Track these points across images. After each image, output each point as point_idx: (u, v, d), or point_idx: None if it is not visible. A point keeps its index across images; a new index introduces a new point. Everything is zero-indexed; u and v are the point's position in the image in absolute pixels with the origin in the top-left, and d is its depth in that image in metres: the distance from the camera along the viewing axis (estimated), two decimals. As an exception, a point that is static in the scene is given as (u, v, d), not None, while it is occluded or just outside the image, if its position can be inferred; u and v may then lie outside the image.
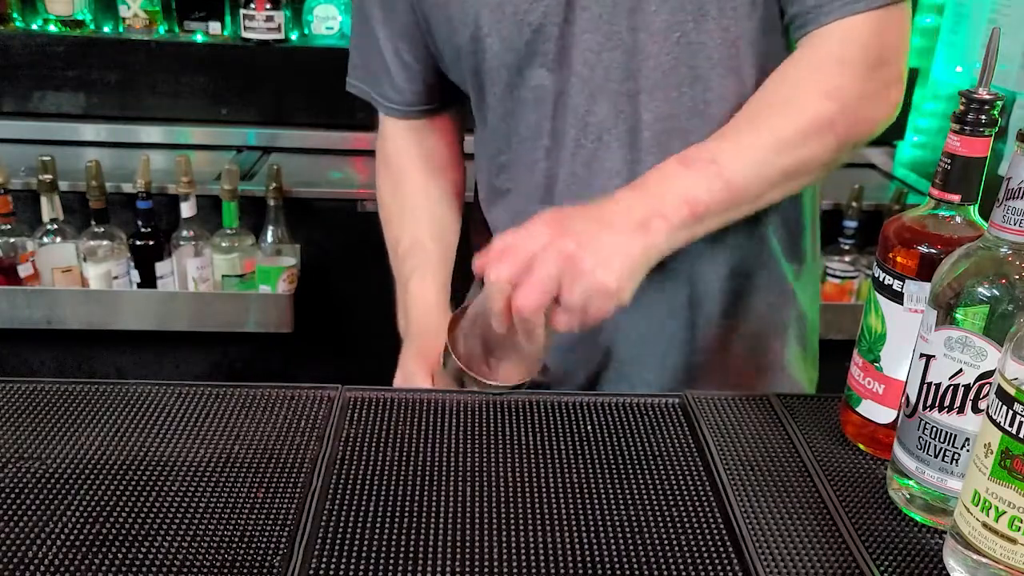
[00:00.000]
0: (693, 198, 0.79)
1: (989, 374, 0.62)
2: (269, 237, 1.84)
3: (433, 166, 1.10)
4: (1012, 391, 0.56)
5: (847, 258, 1.93)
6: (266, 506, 0.68)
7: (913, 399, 0.68)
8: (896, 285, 0.72)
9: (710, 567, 0.63)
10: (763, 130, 0.83)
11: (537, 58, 0.91)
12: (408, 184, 1.09)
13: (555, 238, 0.74)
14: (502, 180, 1.01)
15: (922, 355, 0.67)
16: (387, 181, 1.11)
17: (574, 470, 0.73)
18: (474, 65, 0.95)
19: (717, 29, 0.87)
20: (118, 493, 0.68)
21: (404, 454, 0.75)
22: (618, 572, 0.62)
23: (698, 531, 0.67)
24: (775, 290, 1.01)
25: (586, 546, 0.65)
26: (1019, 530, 0.57)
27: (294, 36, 2.12)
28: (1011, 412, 0.56)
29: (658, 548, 0.65)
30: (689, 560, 0.64)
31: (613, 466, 0.74)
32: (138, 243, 1.79)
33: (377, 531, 0.65)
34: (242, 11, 2.01)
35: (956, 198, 0.69)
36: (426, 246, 1.06)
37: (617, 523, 0.67)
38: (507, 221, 1.00)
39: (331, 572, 0.61)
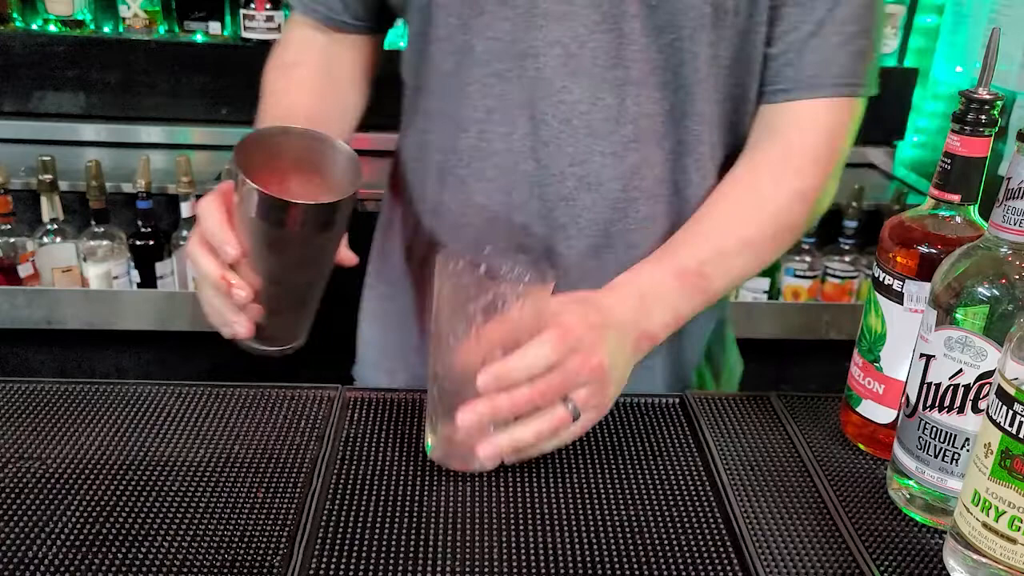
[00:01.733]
0: (680, 315, 0.82)
1: (989, 374, 0.62)
2: (269, 237, 1.84)
3: (332, 76, 0.97)
4: (1012, 391, 0.56)
5: (847, 258, 1.93)
6: (266, 506, 0.68)
7: (913, 399, 0.68)
8: (896, 285, 0.72)
9: (710, 567, 0.63)
10: (743, 239, 0.86)
11: (504, 9, 0.83)
12: (297, 77, 0.96)
13: (589, 356, 0.71)
14: (421, 121, 0.92)
15: (922, 355, 0.67)
16: (274, 70, 0.96)
17: (574, 470, 0.73)
18: None
19: (708, 44, 0.84)
20: (118, 493, 0.68)
21: (404, 454, 0.75)
22: (618, 572, 0.62)
23: (698, 531, 0.67)
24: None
25: (586, 546, 0.65)
26: (1019, 530, 0.57)
27: (294, 36, 2.11)
28: (1011, 412, 0.56)
29: (658, 548, 0.65)
30: (689, 560, 0.64)
31: (613, 466, 0.74)
32: (138, 243, 1.79)
33: (377, 531, 0.65)
34: (242, 11, 2.01)
35: (956, 198, 0.69)
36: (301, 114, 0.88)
37: (617, 523, 0.67)
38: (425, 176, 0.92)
39: (331, 572, 0.61)
